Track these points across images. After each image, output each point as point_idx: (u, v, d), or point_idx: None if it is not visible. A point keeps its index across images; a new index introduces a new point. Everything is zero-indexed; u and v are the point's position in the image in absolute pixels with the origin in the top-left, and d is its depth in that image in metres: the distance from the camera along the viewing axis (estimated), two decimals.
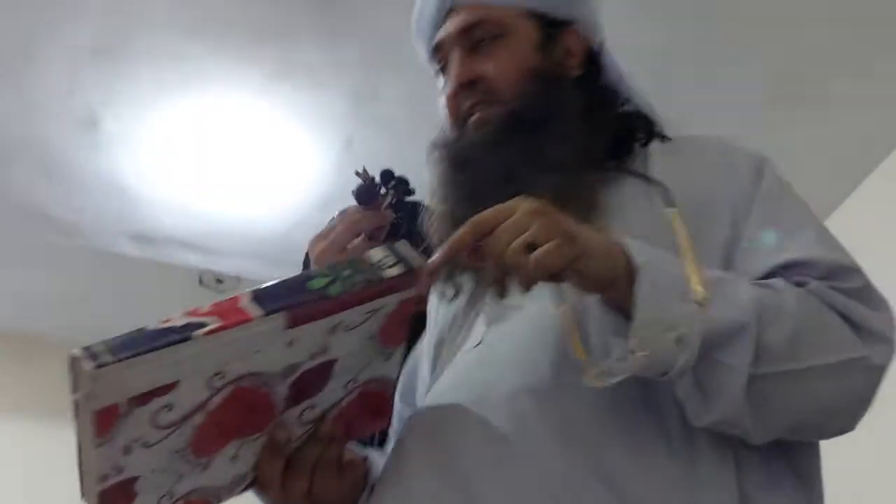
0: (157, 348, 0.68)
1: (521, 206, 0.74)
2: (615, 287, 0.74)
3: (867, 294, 0.85)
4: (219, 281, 3.76)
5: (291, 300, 0.71)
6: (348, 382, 0.82)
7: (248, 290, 0.72)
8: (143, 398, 0.69)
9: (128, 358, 0.67)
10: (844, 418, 0.82)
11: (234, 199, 2.98)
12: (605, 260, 0.74)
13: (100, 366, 0.66)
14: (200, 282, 3.86)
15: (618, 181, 0.96)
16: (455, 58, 1.05)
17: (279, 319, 0.70)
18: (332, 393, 0.81)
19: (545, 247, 0.70)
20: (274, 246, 3.11)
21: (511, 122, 1.00)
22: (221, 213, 3.03)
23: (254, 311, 0.70)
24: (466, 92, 1.04)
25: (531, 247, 0.71)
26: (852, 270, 0.86)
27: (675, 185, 0.90)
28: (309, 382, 0.78)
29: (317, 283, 0.72)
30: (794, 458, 0.83)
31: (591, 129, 0.99)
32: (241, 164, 2.84)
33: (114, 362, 0.66)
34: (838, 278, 0.84)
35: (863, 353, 0.79)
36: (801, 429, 0.81)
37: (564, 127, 0.98)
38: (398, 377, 0.92)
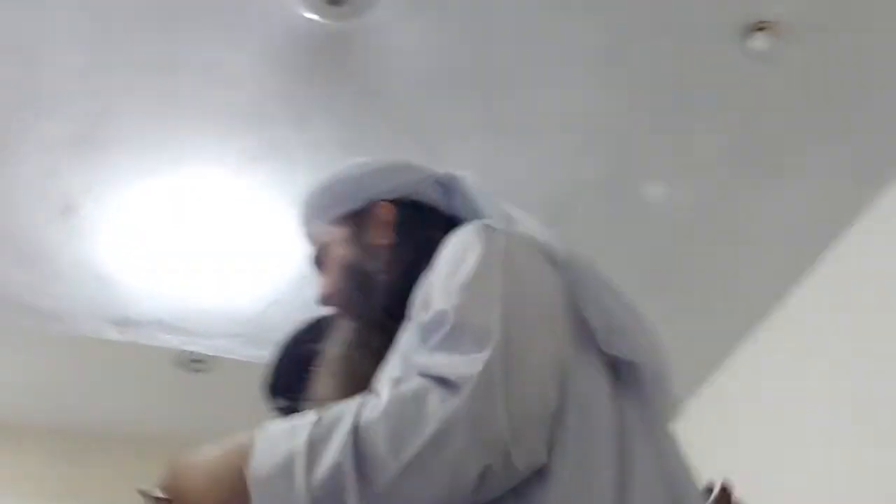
0: None
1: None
2: None
3: (455, 338, 0.87)
4: (197, 361, 3.78)
5: None
6: None
7: None
8: None
9: None
10: (480, 477, 0.82)
11: (212, 280, 3.03)
12: None
13: None
14: (177, 362, 3.88)
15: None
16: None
17: None
18: None
19: None
20: (251, 325, 3.15)
21: (332, 316, 1.27)
22: (199, 295, 3.07)
23: None
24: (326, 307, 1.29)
25: None
26: (442, 317, 0.89)
27: None
28: None
29: None
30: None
31: (393, 296, 1.15)
32: (218, 246, 2.90)
33: None
34: (431, 334, 0.89)
35: (451, 411, 0.81)
36: None
37: (366, 308, 1.20)
38: None
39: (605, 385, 0.96)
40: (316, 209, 1.31)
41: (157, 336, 3.23)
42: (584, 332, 0.98)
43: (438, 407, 0.81)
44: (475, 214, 1.17)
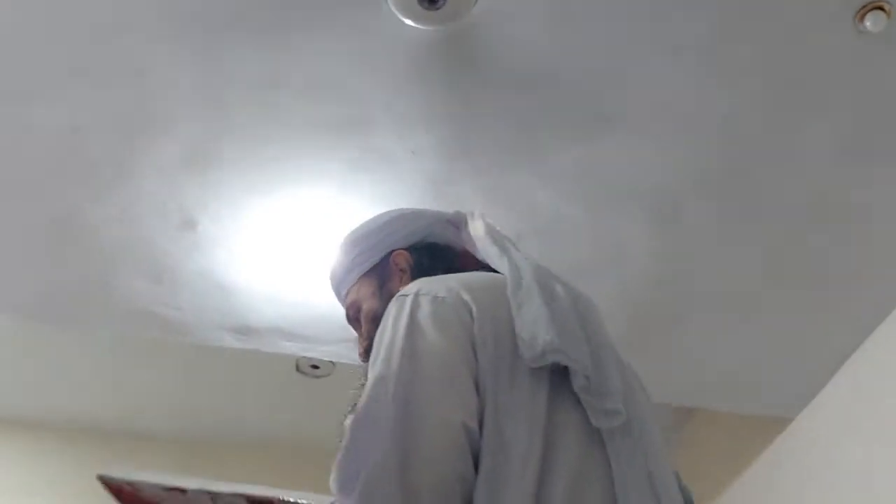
0: None
1: None
2: None
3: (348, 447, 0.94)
4: (314, 367, 3.88)
5: None
6: None
7: None
8: None
9: None
10: None
11: (328, 288, 3.09)
12: None
13: None
14: (297, 368, 3.99)
15: None
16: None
17: None
18: None
19: None
20: None
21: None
22: (317, 302, 3.14)
23: None
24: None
25: None
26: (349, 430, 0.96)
27: None
28: None
29: None
30: None
31: None
32: (329, 254, 2.96)
33: None
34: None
35: None
36: None
37: None
38: None
39: (537, 400, 0.97)
40: (343, 272, 1.43)
41: (277, 343, 3.33)
42: (510, 353, 1.00)
43: None
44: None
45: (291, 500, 1.05)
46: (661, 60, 2.33)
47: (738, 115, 2.47)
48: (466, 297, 1.04)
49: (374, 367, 0.99)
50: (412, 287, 1.08)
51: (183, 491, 1.05)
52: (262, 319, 3.23)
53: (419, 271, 1.31)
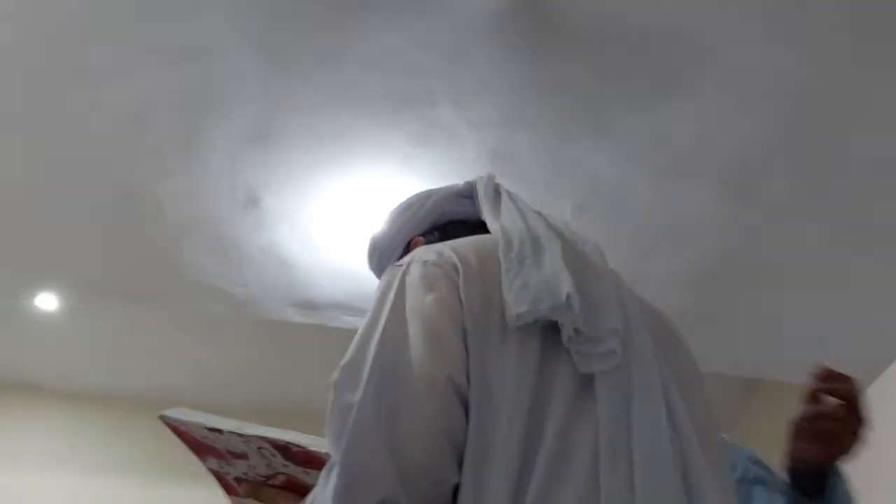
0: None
1: None
2: None
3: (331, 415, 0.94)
4: None
5: None
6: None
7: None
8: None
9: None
10: None
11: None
12: None
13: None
14: None
15: None
16: None
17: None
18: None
19: None
20: None
21: None
22: (375, 277, 3.17)
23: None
24: None
25: None
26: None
27: None
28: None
29: None
30: None
31: None
32: None
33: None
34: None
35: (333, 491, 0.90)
36: None
37: None
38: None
39: (526, 355, 0.95)
40: (375, 271, 1.40)
41: (339, 318, 3.36)
42: (499, 311, 0.98)
43: (325, 494, 0.92)
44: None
45: (311, 448, 1.13)
46: (730, 26, 2.28)
47: (809, 81, 2.40)
48: (454, 257, 1.02)
49: (360, 328, 0.98)
50: (406, 258, 1.07)
51: (220, 431, 1.16)
52: (324, 295, 3.26)
53: None
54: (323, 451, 1.08)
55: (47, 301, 4.12)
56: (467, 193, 1.33)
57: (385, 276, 1.05)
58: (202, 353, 4.34)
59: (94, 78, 2.44)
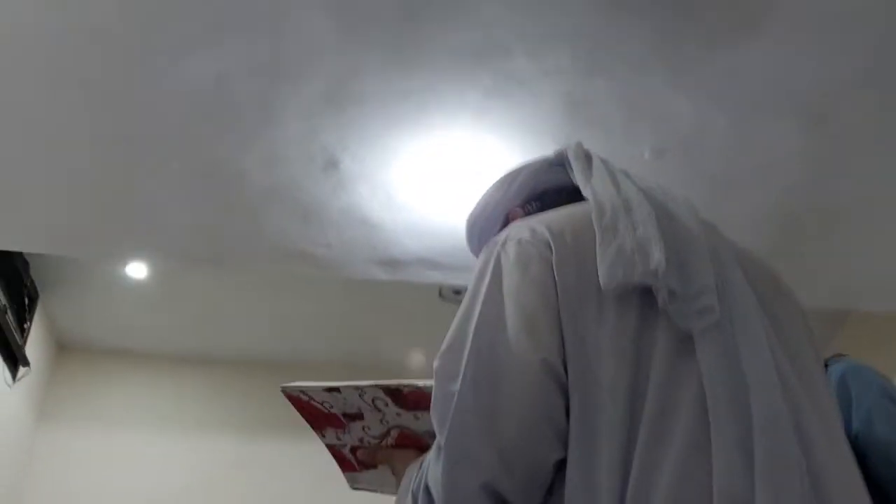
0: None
1: None
2: None
3: (433, 401, 1.00)
4: (456, 293, 3.96)
5: None
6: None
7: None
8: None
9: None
10: None
11: (466, 216, 3.13)
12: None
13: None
14: (440, 295, 4.09)
15: None
16: None
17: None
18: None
19: None
20: None
21: None
22: (456, 231, 3.19)
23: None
24: None
25: None
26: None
27: None
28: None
29: None
30: None
31: None
32: (468, 183, 2.98)
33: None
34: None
35: (437, 473, 0.98)
36: None
37: None
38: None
39: (625, 325, 0.95)
40: (475, 249, 1.40)
41: (422, 273, 3.41)
42: (596, 283, 0.98)
43: (435, 471, 0.98)
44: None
45: (420, 384, 1.18)
46: None
47: (885, 14, 2.32)
48: (546, 234, 1.03)
49: (460, 309, 1.02)
50: (502, 234, 1.09)
51: (338, 390, 1.23)
52: (407, 251, 3.31)
53: None
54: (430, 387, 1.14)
55: (138, 270, 4.26)
56: (559, 162, 1.34)
57: (482, 254, 1.08)
58: (289, 312, 4.44)
59: (171, 53, 2.49)
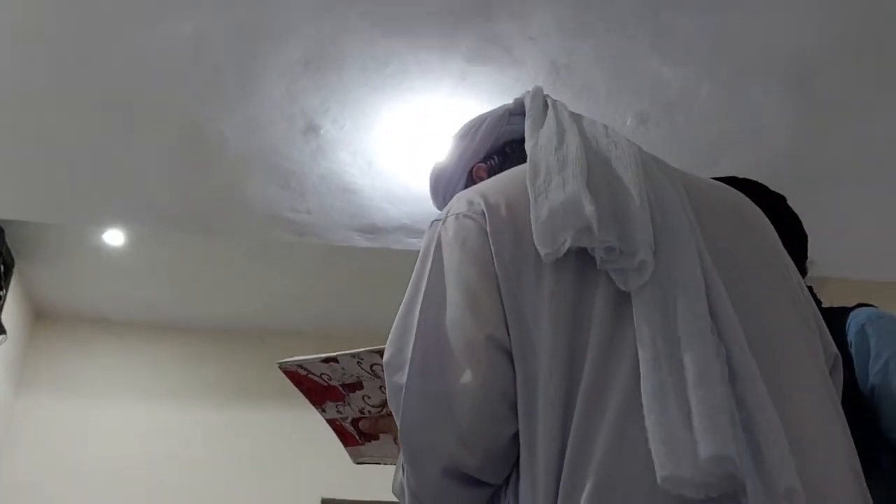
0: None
1: None
2: None
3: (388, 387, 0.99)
4: None
5: None
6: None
7: None
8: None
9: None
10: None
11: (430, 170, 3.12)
12: None
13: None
14: None
15: None
16: None
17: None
18: None
19: None
20: None
21: None
22: None
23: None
24: None
25: None
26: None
27: None
28: None
29: None
30: None
31: None
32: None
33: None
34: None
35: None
36: None
37: None
38: None
39: (562, 287, 0.92)
40: (440, 206, 1.35)
41: (402, 240, 3.39)
42: (532, 249, 0.95)
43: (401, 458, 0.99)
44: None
45: None
46: None
47: None
48: (482, 204, 1.00)
49: (406, 294, 0.99)
50: (445, 208, 1.05)
51: (336, 359, 1.21)
52: (388, 218, 3.28)
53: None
54: None
55: (115, 237, 4.21)
56: (519, 111, 1.28)
57: (426, 234, 1.04)
58: (269, 280, 4.41)
59: (149, 15, 2.44)
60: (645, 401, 0.83)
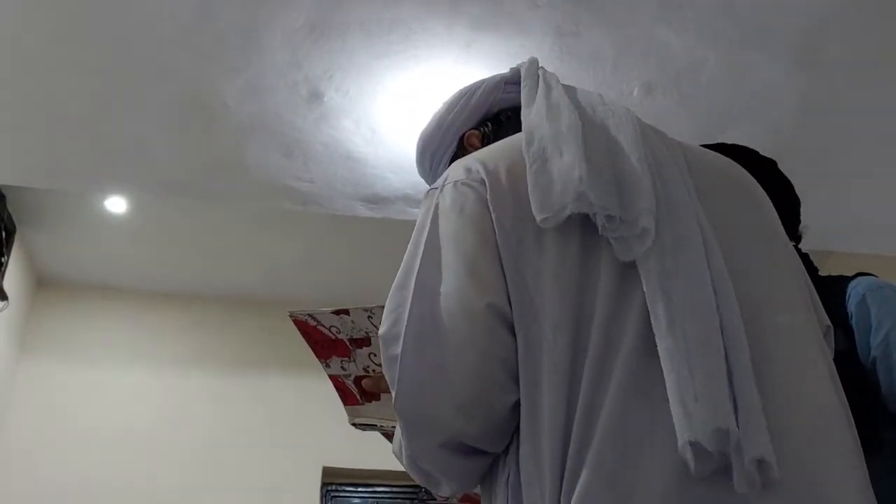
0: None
1: None
2: None
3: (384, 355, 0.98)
4: None
5: None
6: None
7: None
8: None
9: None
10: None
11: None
12: None
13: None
14: None
15: None
16: None
17: None
18: None
19: None
20: None
21: None
22: None
23: None
24: None
25: None
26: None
27: None
28: None
29: None
30: None
31: None
32: None
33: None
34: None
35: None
36: None
37: None
38: None
39: (567, 255, 0.92)
40: (426, 172, 1.36)
41: (405, 210, 3.37)
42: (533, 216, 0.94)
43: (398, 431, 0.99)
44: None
45: None
46: None
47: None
48: (481, 171, 0.99)
49: (403, 263, 0.99)
50: (442, 176, 1.05)
51: (347, 312, 1.23)
52: (391, 188, 3.27)
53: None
54: None
55: (117, 204, 4.20)
56: (515, 80, 1.27)
57: (423, 203, 1.03)
58: (271, 248, 4.40)
59: None
60: (664, 364, 0.83)
